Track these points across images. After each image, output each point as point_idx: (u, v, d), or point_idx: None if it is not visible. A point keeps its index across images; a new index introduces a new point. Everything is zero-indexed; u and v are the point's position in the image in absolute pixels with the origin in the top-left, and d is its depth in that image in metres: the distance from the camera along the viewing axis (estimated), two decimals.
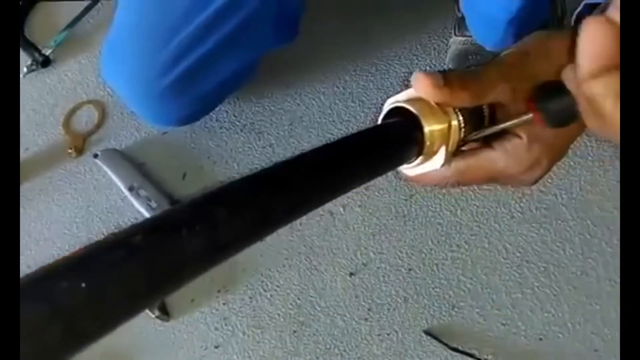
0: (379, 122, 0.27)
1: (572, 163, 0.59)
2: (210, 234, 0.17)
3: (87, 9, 0.75)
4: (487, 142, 0.30)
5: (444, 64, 0.64)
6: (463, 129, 0.28)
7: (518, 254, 0.56)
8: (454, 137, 0.28)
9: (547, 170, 0.31)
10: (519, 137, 0.29)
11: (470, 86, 0.27)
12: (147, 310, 0.56)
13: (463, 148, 0.30)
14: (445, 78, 0.26)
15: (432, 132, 0.26)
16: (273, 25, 0.56)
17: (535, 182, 0.32)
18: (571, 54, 0.27)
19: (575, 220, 0.56)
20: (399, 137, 0.26)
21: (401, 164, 0.28)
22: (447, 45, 0.65)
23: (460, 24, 0.60)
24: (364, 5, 0.70)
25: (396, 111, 0.27)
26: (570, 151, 0.65)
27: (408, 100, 0.27)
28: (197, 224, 0.17)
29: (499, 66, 0.28)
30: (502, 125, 0.28)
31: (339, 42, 0.69)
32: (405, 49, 0.68)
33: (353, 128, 0.66)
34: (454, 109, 0.27)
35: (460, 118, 0.27)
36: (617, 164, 0.58)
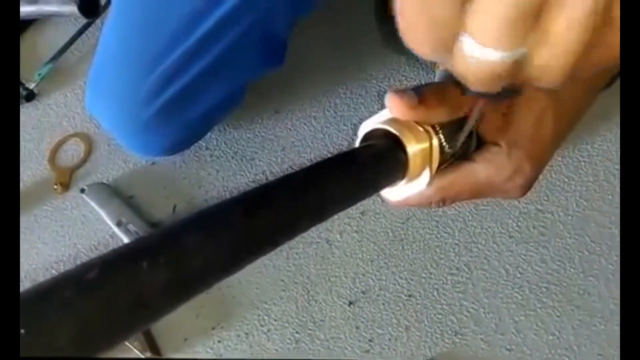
0: (357, 145, 0.27)
1: (566, 179, 0.59)
2: (176, 267, 0.16)
3: (72, 41, 0.74)
4: (467, 156, 0.30)
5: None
6: (446, 146, 0.27)
7: (519, 275, 0.55)
8: (436, 156, 0.27)
9: (532, 177, 0.31)
10: (498, 144, 0.29)
11: (446, 99, 0.26)
12: (136, 351, 0.54)
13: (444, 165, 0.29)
14: (420, 96, 0.26)
15: (415, 153, 0.26)
16: (260, 51, 0.55)
17: (524, 191, 0.31)
18: None
19: (574, 238, 0.56)
20: (384, 159, 0.26)
21: (386, 186, 0.27)
22: (436, 64, 0.65)
23: None
24: (353, 28, 0.70)
25: (374, 134, 0.26)
26: (564, 167, 0.64)
27: (386, 121, 0.26)
28: (161, 254, 0.15)
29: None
30: (466, 128, 0.28)
31: (329, 65, 0.69)
32: (394, 70, 0.68)
33: None
34: (434, 127, 0.27)
35: (441, 136, 0.27)
36: (611, 178, 0.58)
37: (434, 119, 0.26)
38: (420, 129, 0.26)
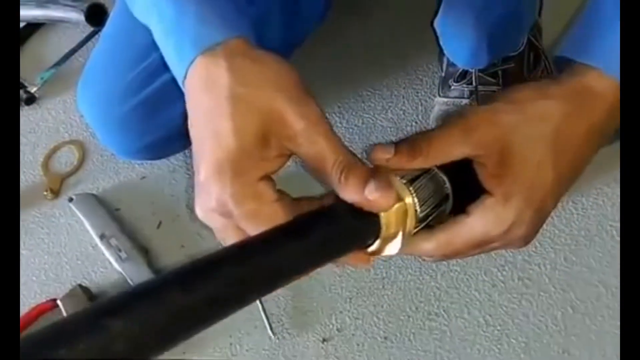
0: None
1: (556, 231, 0.57)
2: (98, 352, 0.15)
3: (76, 48, 0.75)
4: (463, 207, 0.29)
5: (429, 121, 0.63)
6: (418, 209, 0.27)
7: (498, 327, 0.54)
8: (411, 216, 0.27)
9: (532, 227, 0.29)
10: (492, 195, 0.28)
11: (423, 150, 0.26)
12: None
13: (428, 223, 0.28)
14: (396, 146, 0.26)
15: (388, 212, 0.25)
16: None
17: (527, 241, 0.30)
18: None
19: (559, 293, 0.54)
20: (347, 220, 0.25)
21: (353, 249, 0.26)
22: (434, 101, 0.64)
23: (444, 85, 0.60)
24: (354, 56, 0.70)
25: None
26: (555, 219, 0.63)
27: None
28: (83, 338, 0.15)
29: (460, 125, 0.27)
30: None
31: (328, 93, 0.68)
32: (392, 103, 0.67)
33: None
34: (409, 188, 0.26)
35: (415, 197, 0.26)
36: (603, 234, 0.57)
37: (409, 167, 0.26)
38: (396, 187, 0.25)
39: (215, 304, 0.19)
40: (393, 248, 0.26)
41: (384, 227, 0.25)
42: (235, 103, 0.24)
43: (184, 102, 0.56)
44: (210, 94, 0.25)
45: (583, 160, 0.29)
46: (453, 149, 0.27)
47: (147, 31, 0.55)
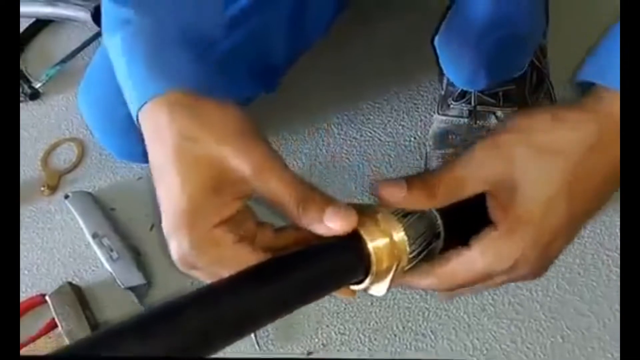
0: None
1: None
2: None
3: (82, 47, 0.75)
4: (467, 239, 0.28)
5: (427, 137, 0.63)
6: (406, 246, 0.26)
7: (485, 352, 0.53)
8: (404, 253, 0.26)
9: (538, 268, 0.27)
10: (496, 228, 0.26)
11: (434, 191, 0.25)
12: None
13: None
14: (408, 185, 0.25)
15: (379, 248, 0.24)
16: (248, 70, 0.55)
17: (537, 274, 0.27)
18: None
19: (549, 321, 0.53)
20: (328, 257, 0.24)
21: (338, 286, 0.26)
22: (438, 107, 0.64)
23: (443, 103, 0.59)
24: (356, 69, 0.70)
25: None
26: None
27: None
28: None
29: (469, 163, 0.26)
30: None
31: (327, 105, 0.68)
32: (392, 118, 0.67)
33: (337, 195, 0.64)
34: (402, 223, 0.26)
35: (403, 234, 0.26)
36: (599, 263, 0.56)
37: (420, 206, 0.25)
38: (387, 222, 0.25)
39: (174, 355, 0.18)
40: (382, 287, 0.26)
41: (374, 265, 0.25)
42: (179, 157, 0.25)
43: None
44: (157, 146, 0.27)
45: (601, 200, 0.26)
46: (463, 191, 0.25)
47: None
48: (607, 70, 0.24)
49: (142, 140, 0.55)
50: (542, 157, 0.24)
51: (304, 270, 0.23)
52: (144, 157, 0.59)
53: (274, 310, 0.21)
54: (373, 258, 0.24)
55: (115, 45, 0.30)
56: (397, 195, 0.25)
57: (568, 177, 0.24)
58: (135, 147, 0.58)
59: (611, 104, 0.24)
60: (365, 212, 0.25)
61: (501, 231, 0.26)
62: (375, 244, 0.24)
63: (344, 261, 0.25)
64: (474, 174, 0.26)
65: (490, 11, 0.43)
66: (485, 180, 0.25)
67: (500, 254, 0.26)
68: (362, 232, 0.25)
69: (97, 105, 0.55)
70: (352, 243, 0.24)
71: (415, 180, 0.25)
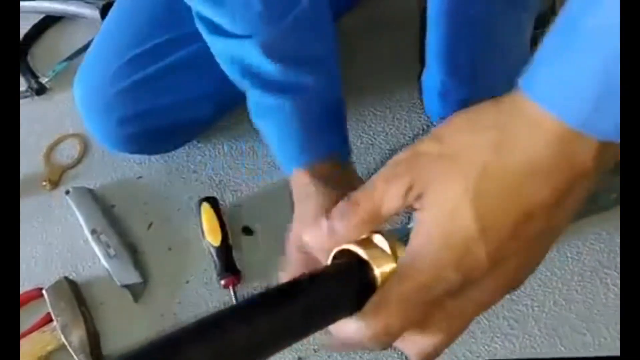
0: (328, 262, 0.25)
1: (548, 273, 0.56)
2: None
3: (88, 44, 0.76)
4: None
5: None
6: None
7: None
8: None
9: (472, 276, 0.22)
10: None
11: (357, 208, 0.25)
12: None
13: None
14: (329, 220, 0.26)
15: (386, 275, 0.24)
16: None
17: (505, 285, 0.24)
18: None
19: (544, 338, 0.53)
20: (335, 285, 0.24)
21: (344, 315, 0.24)
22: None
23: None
24: (360, 76, 0.70)
25: (344, 253, 0.24)
26: (548, 260, 0.61)
27: (359, 241, 0.24)
28: None
29: (383, 174, 0.24)
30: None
31: None
32: (393, 126, 0.66)
33: None
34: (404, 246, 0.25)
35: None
36: (597, 281, 0.55)
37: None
38: (390, 246, 0.23)
39: None
40: None
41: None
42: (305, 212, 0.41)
43: (171, 97, 0.59)
44: (299, 203, 0.42)
45: (533, 194, 0.21)
46: (386, 203, 0.23)
47: (145, 19, 0.57)
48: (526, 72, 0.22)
49: (121, 123, 0.57)
50: (443, 162, 0.22)
51: (312, 299, 0.22)
52: (126, 144, 0.62)
53: (278, 342, 0.21)
54: (379, 283, 0.24)
55: (264, 126, 0.45)
56: (319, 237, 0.24)
57: (473, 186, 0.22)
58: (115, 130, 0.59)
59: (515, 98, 0.21)
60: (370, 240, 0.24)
61: (415, 244, 0.23)
62: (382, 269, 0.24)
63: (348, 290, 0.24)
64: (389, 183, 0.23)
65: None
66: (398, 193, 0.23)
67: (423, 263, 0.23)
68: (369, 259, 0.24)
69: (86, 86, 0.57)
70: (356, 271, 0.24)
71: (334, 212, 0.24)
